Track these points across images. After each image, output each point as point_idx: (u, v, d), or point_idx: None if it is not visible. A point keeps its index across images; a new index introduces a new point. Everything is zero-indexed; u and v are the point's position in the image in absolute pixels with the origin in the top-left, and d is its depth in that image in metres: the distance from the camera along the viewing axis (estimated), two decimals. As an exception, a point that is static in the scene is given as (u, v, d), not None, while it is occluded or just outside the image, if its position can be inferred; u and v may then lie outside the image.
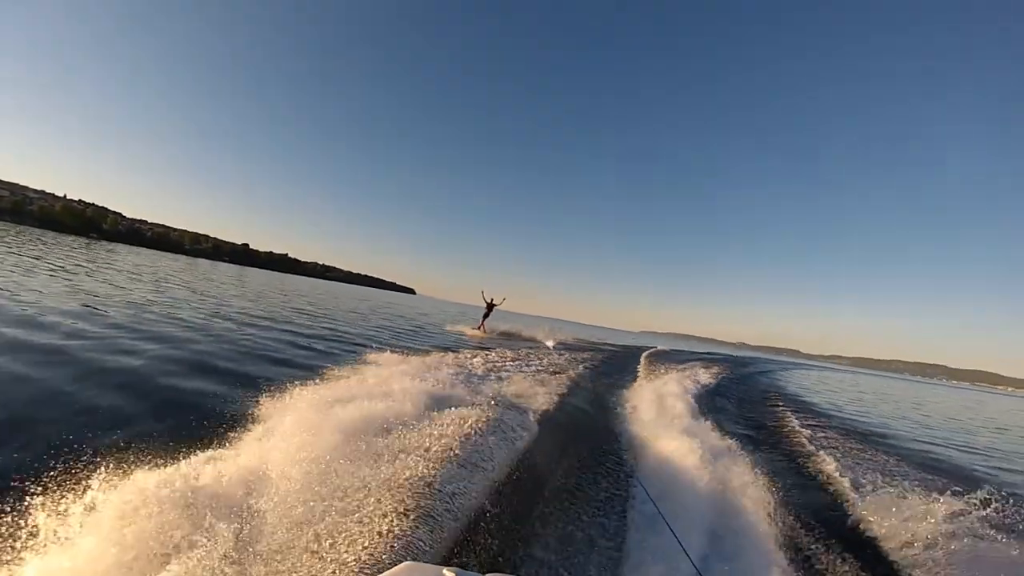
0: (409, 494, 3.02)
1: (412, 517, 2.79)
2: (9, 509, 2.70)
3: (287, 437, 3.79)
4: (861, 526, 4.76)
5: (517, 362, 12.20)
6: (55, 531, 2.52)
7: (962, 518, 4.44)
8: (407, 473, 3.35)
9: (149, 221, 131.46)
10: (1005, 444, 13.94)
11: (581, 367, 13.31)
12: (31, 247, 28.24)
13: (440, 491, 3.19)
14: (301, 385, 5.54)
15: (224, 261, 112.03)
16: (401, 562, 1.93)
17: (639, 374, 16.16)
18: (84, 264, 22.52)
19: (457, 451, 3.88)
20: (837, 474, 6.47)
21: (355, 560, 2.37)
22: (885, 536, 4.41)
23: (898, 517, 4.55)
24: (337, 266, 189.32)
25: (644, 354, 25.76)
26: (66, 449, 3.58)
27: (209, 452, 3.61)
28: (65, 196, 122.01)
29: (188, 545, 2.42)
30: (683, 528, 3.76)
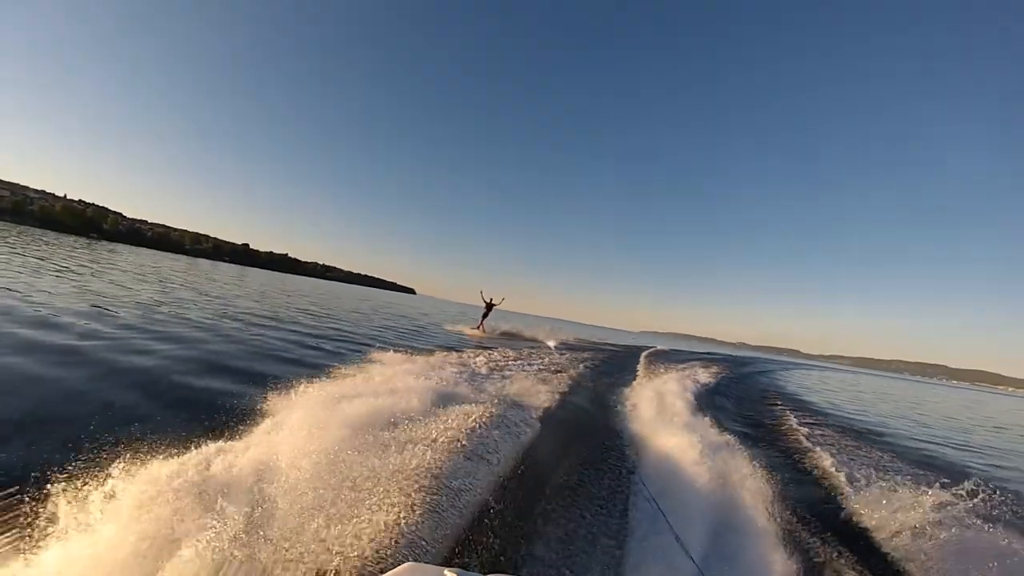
0: (416, 486, 3.12)
1: (418, 512, 2.86)
2: (36, 499, 2.85)
3: (296, 430, 3.93)
4: (854, 519, 4.92)
5: (519, 361, 12.39)
6: (77, 519, 2.66)
7: (949, 509, 4.61)
8: (414, 463, 3.48)
9: (149, 221, 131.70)
10: (1001, 443, 14.08)
11: (582, 366, 13.49)
12: (35, 247, 28.40)
13: (446, 485, 3.28)
14: (310, 383, 5.72)
15: (224, 261, 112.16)
16: (403, 562, 1.97)
17: (639, 373, 16.32)
18: (88, 265, 22.68)
19: (463, 443, 4.03)
20: (833, 469, 6.64)
21: (358, 555, 2.44)
22: (876, 527, 4.58)
23: (888, 509, 4.73)
24: (337, 266, 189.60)
25: (644, 354, 25.92)
26: (88, 444, 3.73)
27: (222, 444, 3.75)
28: (65, 196, 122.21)
29: (200, 528, 2.53)
30: (684, 523, 3.87)
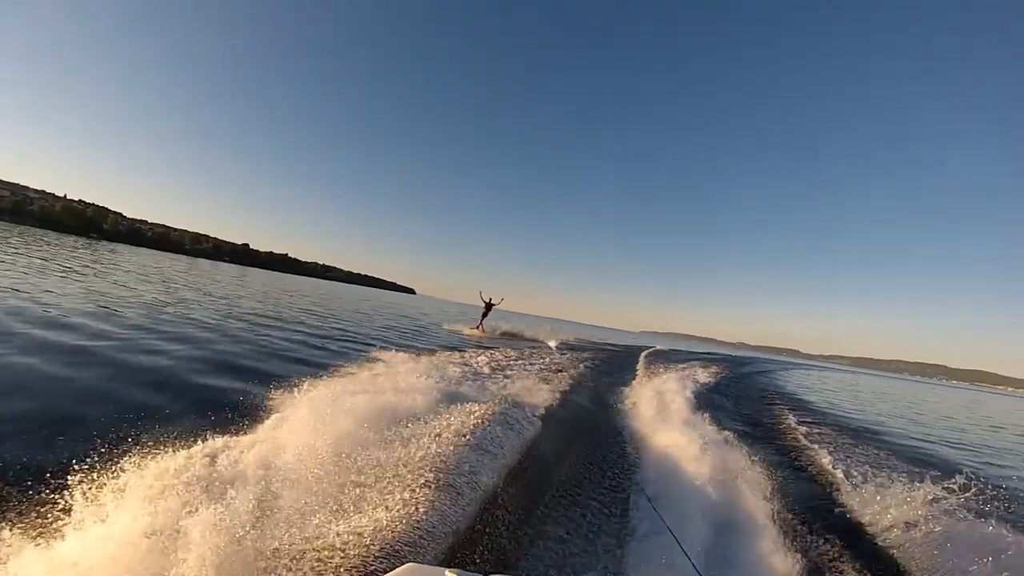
0: (421, 479, 3.23)
1: (422, 508, 2.92)
2: (55, 491, 2.99)
3: (303, 425, 4.07)
4: (849, 515, 5.04)
5: (521, 361, 12.54)
6: (94, 509, 2.78)
7: (940, 503, 4.77)
8: (419, 455, 3.63)
9: (149, 221, 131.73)
10: (997, 442, 14.16)
11: (582, 366, 13.63)
12: (37, 248, 28.52)
13: (451, 477, 3.37)
14: (317, 381, 5.92)
15: (224, 261, 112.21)
16: (405, 562, 1.99)
17: (639, 373, 16.45)
18: (91, 265, 22.80)
19: (467, 437, 4.17)
20: (830, 467, 6.78)
21: (361, 551, 2.47)
22: (870, 522, 4.72)
23: (882, 504, 4.88)
24: (337, 266, 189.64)
25: (643, 354, 26.04)
26: (102, 440, 3.86)
27: (230, 439, 3.89)
28: (65, 196, 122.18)
29: (207, 521, 2.58)
30: (683, 520, 3.93)
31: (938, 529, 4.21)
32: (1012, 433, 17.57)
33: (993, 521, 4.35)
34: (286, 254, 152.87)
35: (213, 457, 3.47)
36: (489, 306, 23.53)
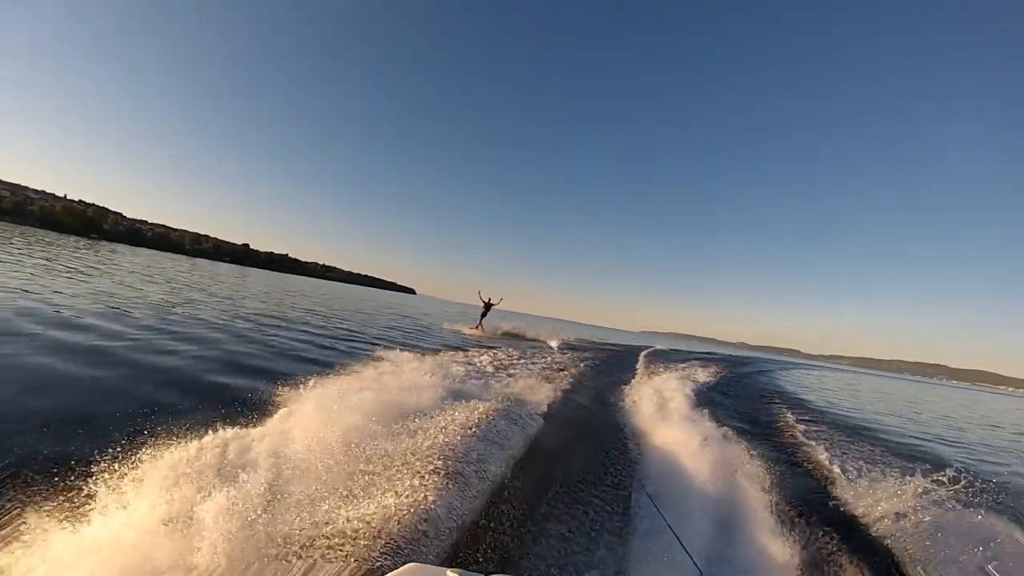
0: (429, 466, 3.35)
1: (431, 497, 2.98)
2: (79, 484, 3.13)
3: (312, 419, 4.26)
4: (843, 507, 5.20)
5: (523, 360, 12.71)
6: (116, 497, 2.93)
7: (929, 495, 4.94)
8: (427, 444, 3.78)
9: (149, 221, 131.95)
10: (995, 440, 14.27)
11: (583, 365, 13.80)
12: (40, 249, 28.67)
13: (457, 466, 3.48)
14: (323, 379, 6.11)
15: (225, 261, 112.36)
16: (407, 561, 2.01)
17: (639, 372, 16.61)
18: (95, 266, 22.96)
19: (473, 430, 4.34)
20: (826, 462, 6.93)
21: (367, 544, 2.50)
22: (864, 513, 4.89)
23: (874, 497, 5.06)
24: (337, 266, 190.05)
25: (643, 353, 26.19)
26: (122, 434, 4.03)
27: (244, 431, 4.08)
28: (65, 196, 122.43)
29: (218, 509, 2.69)
30: (684, 517, 4.01)
31: (927, 519, 4.38)
32: (1009, 432, 17.71)
33: (982, 511, 4.51)
34: (286, 254, 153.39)
35: (224, 447, 3.64)
36: (488, 306, 23.70)
